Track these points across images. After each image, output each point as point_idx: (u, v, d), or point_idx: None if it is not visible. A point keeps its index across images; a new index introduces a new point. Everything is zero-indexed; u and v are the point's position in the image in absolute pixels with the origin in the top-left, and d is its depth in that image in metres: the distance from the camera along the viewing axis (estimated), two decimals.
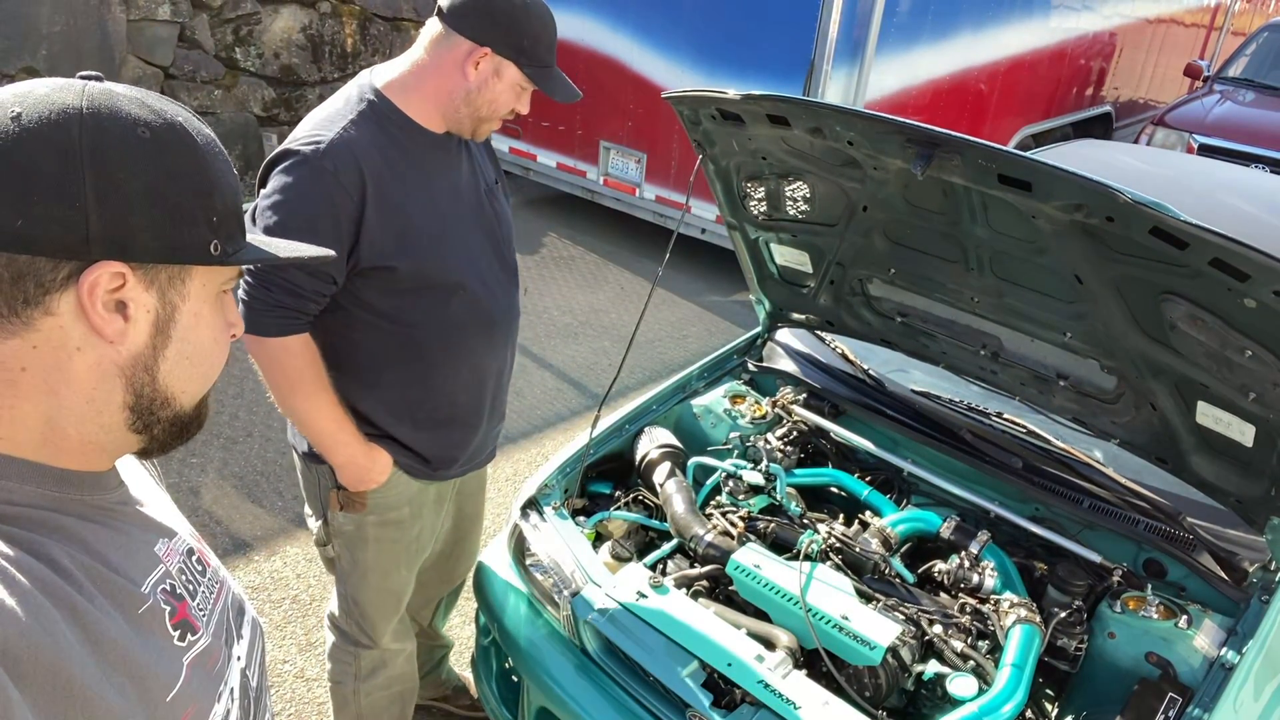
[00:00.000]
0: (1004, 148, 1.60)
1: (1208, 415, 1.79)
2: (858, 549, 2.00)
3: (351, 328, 1.77)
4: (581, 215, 6.75)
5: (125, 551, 0.76)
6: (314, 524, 2.01)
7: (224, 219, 0.76)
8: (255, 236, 0.83)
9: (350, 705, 2.17)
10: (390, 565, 2.01)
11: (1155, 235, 1.50)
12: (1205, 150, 6.63)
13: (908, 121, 1.70)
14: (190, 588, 0.83)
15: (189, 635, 0.79)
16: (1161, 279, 1.62)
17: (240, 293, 1.67)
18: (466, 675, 2.66)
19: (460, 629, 2.88)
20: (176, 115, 0.75)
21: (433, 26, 1.71)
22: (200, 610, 0.83)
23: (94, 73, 0.74)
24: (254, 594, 2.98)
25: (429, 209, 1.74)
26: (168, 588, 0.79)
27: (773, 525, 2.10)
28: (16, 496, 0.70)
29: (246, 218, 1.70)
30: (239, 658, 0.89)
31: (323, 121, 1.67)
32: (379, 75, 1.74)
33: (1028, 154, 1.65)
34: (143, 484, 0.88)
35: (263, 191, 1.65)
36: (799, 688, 1.67)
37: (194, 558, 0.86)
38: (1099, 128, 8.09)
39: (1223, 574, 1.86)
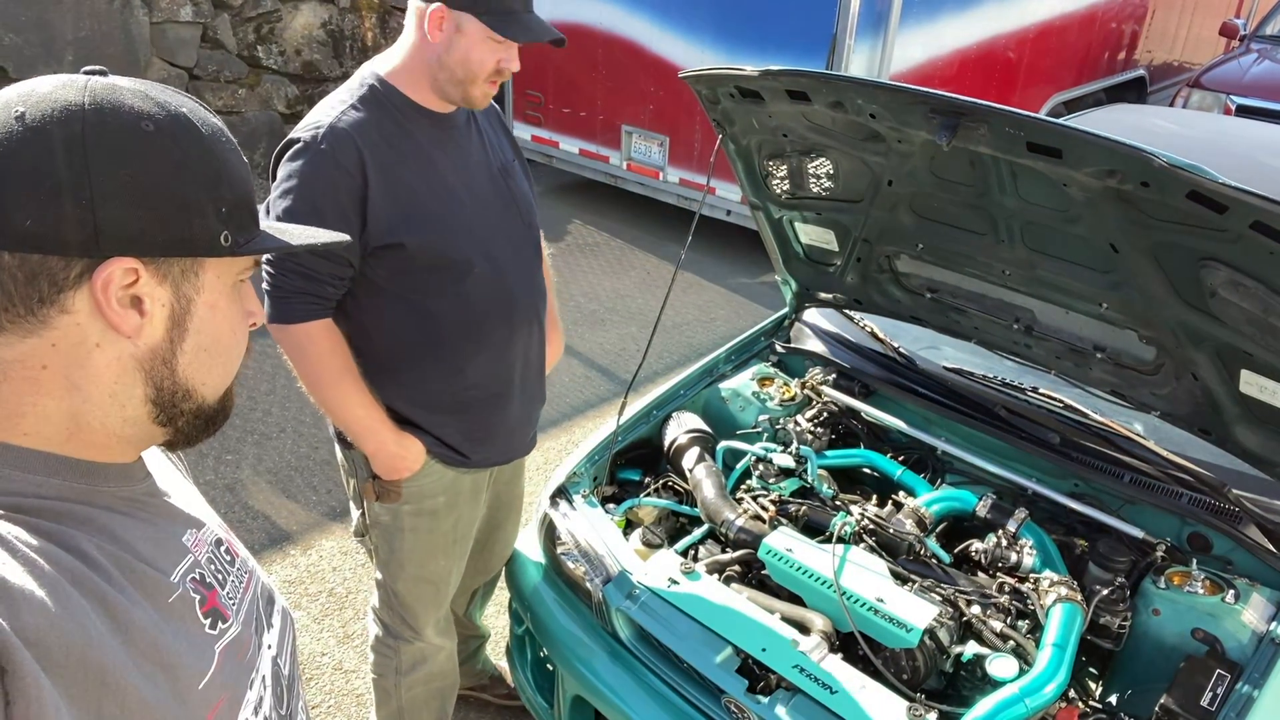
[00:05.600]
0: (1032, 114, 1.55)
1: (1252, 384, 1.74)
2: (892, 530, 1.97)
3: (368, 313, 1.79)
4: (605, 201, 6.73)
5: (154, 542, 0.77)
6: (355, 514, 2.03)
7: (233, 209, 0.76)
8: (269, 225, 0.82)
9: (392, 699, 2.18)
10: (426, 555, 2.01)
11: (1193, 199, 1.45)
12: (1243, 111, 6.45)
13: (931, 91, 1.66)
14: (219, 577, 0.83)
15: (219, 623, 0.80)
16: (1200, 244, 1.57)
17: (264, 282, 1.72)
18: (502, 665, 2.68)
19: (495, 618, 2.89)
20: (181, 106, 0.74)
21: (411, 4, 1.72)
22: (230, 599, 0.83)
23: (98, 67, 0.73)
24: (291, 587, 3.01)
25: (435, 186, 1.76)
26: (197, 577, 0.79)
27: (804, 508, 2.08)
28: (44, 489, 0.70)
29: (261, 209, 1.71)
30: (269, 646, 0.89)
31: (322, 108, 1.73)
32: (379, 63, 1.79)
33: (1058, 120, 1.60)
34: (169, 476, 0.88)
35: (274, 183, 1.72)
36: (835, 671, 1.65)
37: (222, 548, 0.86)
38: (1133, 93, 7.88)
39: (1270, 546, 1.81)
